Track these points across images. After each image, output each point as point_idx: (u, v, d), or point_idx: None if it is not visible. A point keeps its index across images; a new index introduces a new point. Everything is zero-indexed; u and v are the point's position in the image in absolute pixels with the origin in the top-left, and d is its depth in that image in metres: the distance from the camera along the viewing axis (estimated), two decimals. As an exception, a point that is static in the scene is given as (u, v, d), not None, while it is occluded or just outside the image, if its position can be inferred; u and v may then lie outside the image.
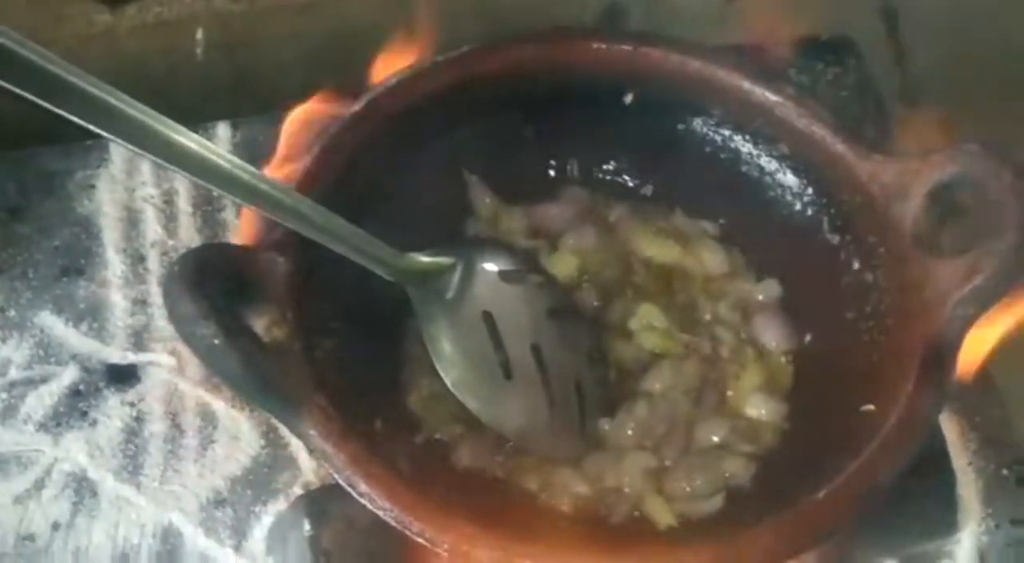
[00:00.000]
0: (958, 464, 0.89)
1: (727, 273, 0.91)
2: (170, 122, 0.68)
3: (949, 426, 0.91)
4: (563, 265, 0.90)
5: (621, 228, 0.93)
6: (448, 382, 0.80)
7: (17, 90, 0.61)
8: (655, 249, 0.91)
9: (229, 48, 1.19)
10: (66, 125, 0.64)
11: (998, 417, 0.93)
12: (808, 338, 0.87)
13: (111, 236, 1.02)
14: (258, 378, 0.69)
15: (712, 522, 0.79)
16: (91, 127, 0.64)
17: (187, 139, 0.69)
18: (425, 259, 0.82)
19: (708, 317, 0.89)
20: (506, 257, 0.86)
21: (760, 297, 0.89)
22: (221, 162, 0.70)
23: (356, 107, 0.84)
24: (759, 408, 0.84)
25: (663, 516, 0.79)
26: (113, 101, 0.65)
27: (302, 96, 0.89)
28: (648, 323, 0.87)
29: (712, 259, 0.91)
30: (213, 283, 0.70)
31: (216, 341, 0.67)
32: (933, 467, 0.86)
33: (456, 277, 0.83)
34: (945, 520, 0.87)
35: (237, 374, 0.68)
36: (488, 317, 0.83)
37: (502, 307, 0.83)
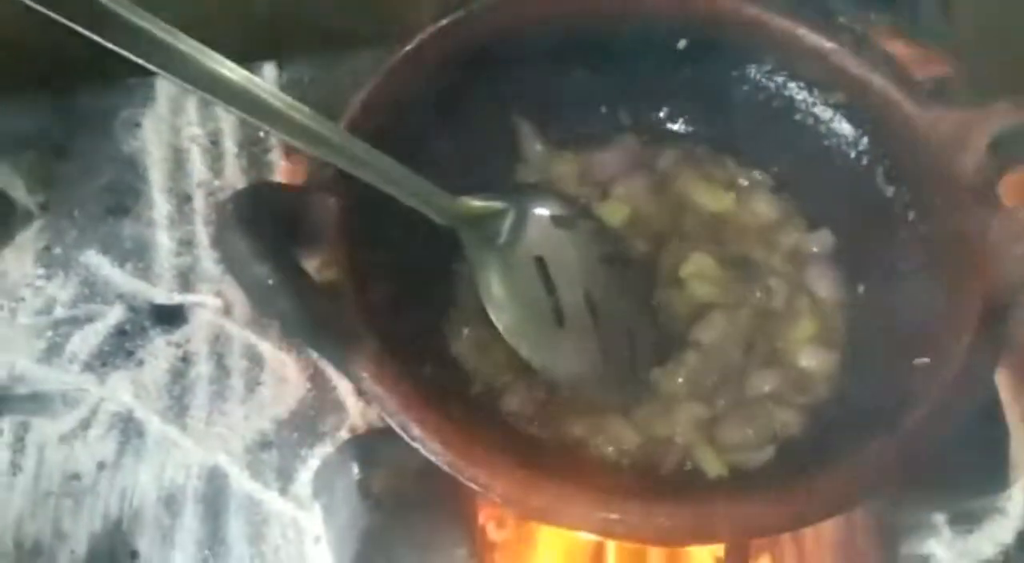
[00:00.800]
0: (1011, 420, 0.88)
1: (779, 222, 0.90)
2: (219, 57, 0.68)
3: (1003, 382, 0.90)
4: (614, 213, 0.89)
5: (672, 176, 0.92)
6: (500, 327, 0.80)
7: (66, 21, 0.60)
8: (706, 198, 0.90)
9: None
10: (111, 60, 0.63)
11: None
12: (861, 289, 0.86)
13: (156, 176, 1.03)
14: (311, 319, 0.69)
15: (763, 473, 0.78)
16: (140, 60, 0.64)
17: (237, 75, 0.68)
18: (478, 203, 0.81)
19: (761, 267, 0.88)
20: (558, 202, 0.85)
21: (814, 248, 0.89)
22: (271, 99, 0.70)
23: (407, 48, 0.83)
24: (811, 359, 0.84)
25: (714, 466, 0.79)
26: (162, 34, 0.65)
27: (350, 38, 0.88)
28: (700, 271, 0.86)
29: (764, 209, 0.90)
30: (265, 222, 0.69)
31: (269, 281, 0.67)
32: (987, 423, 0.85)
33: (508, 222, 0.82)
34: (997, 476, 0.87)
35: (290, 315, 0.68)
36: (540, 262, 0.82)
37: (554, 253, 0.83)
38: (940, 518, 0.88)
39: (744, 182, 0.92)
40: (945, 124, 0.79)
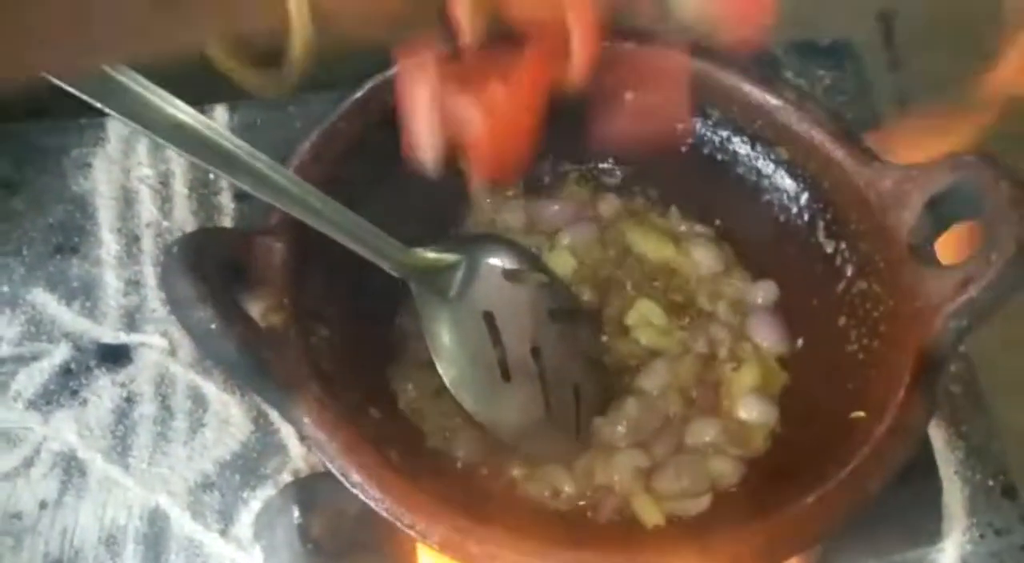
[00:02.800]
0: (944, 473, 0.89)
1: (722, 272, 0.91)
2: (172, 99, 0.68)
3: (936, 435, 0.91)
4: (560, 262, 0.90)
5: (617, 225, 0.93)
6: (446, 380, 0.80)
7: None
8: (650, 246, 0.91)
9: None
10: (63, 99, 0.64)
11: (985, 427, 0.93)
12: (800, 343, 0.87)
13: (106, 215, 1.02)
14: (253, 363, 0.69)
15: (699, 523, 0.79)
16: (90, 100, 0.64)
17: (188, 117, 0.69)
18: (430, 255, 0.82)
19: (706, 315, 0.89)
20: (511, 254, 0.86)
21: (759, 299, 0.90)
22: (222, 142, 0.70)
23: (356, 95, 0.84)
24: (751, 410, 0.84)
25: (651, 515, 0.79)
26: (113, 74, 0.65)
27: (301, 84, 0.89)
28: (645, 319, 0.87)
29: (707, 259, 0.91)
30: (210, 267, 0.70)
31: (212, 325, 0.67)
32: (920, 475, 0.86)
33: (460, 275, 0.83)
34: (930, 528, 0.88)
35: (232, 359, 0.69)
36: (489, 317, 0.83)
37: (504, 307, 0.83)
38: (874, 570, 0.89)
39: (687, 232, 0.93)
40: (885, 181, 0.80)
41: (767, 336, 0.88)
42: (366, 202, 0.79)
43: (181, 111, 0.68)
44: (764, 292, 0.90)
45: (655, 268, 0.91)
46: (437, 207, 0.89)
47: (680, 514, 0.80)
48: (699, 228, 0.93)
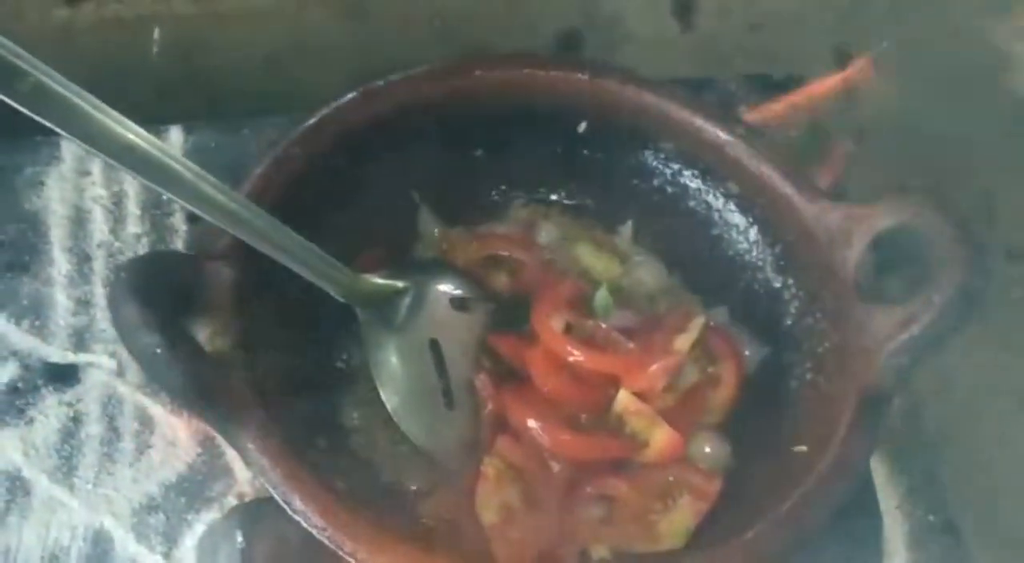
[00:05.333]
0: (886, 508, 0.90)
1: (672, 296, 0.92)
2: (125, 121, 0.68)
3: (878, 470, 0.92)
4: (505, 286, 0.91)
5: (565, 250, 0.93)
6: (389, 408, 0.80)
7: None
8: (597, 263, 0.92)
9: (185, 50, 1.19)
10: (17, 117, 0.64)
11: (926, 462, 0.94)
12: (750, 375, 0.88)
13: (58, 234, 1.02)
14: (198, 388, 0.69)
15: (646, 558, 0.79)
16: (43, 120, 0.64)
17: (140, 139, 0.68)
18: (379, 281, 0.82)
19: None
20: (458, 282, 0.86)
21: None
22: (174, 165, 0.70)
23: (308, 122, 0.84)
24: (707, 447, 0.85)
25: (597, 549, 0.80)
26: (67, 94, 0.65)
27: (256, 103, 0.89)
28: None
29: (648, 276, 0.92)
30: (158, 291, 0.70)
31: (158, 350, 0.67)
32: (861, 510, 0.87)
33: (407, 302, 0.83)
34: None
35: (177, 383, 0.69)
36: (435, 345, 0.83)
37: (450, 335, 0.84)
38: (816, 603, 0.89)
39: (632, 254, 0.94)
40: (832, 218, 0.81)
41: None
42: (316, 228, 0.79)
43: (131, 132, 0.68)
44: (717, 317, 0.90)
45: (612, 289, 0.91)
46: (387, 232, 0.89)
47: (627, 548, 0.80)
48: (646, 253, 0.94)
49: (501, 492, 0.80)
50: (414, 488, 0.82)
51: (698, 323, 0.87)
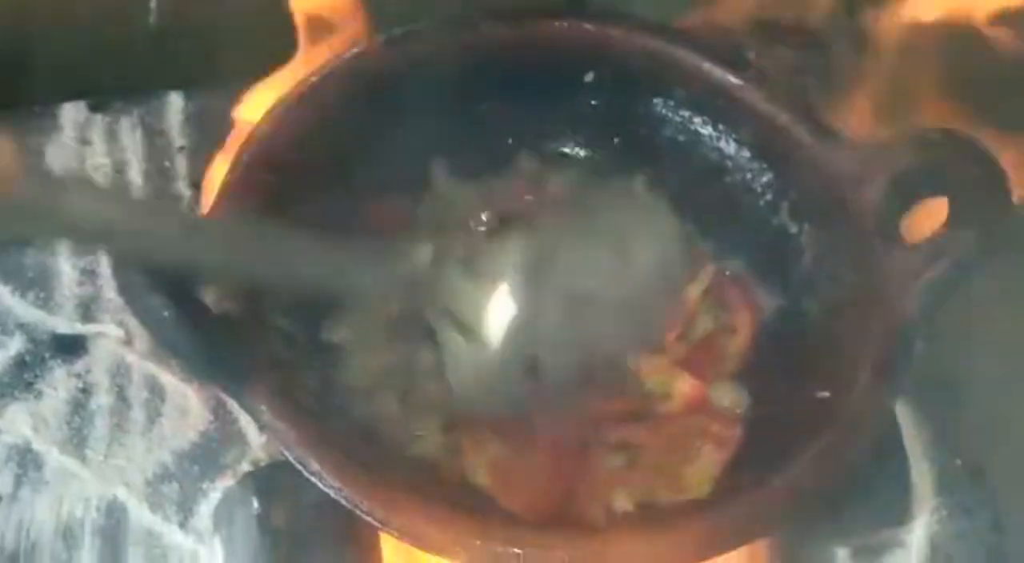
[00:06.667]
0: (912, 454, 0.89)
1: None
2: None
3: (904, 415, 0.90)
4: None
5: (578, 203, 0.91)
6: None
7: None
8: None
9: (183, 17, 1.17)
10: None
11: (953, 407, 0.93)
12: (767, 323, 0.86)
13: (60, 204, 1.01)
14: (208, 352, 0.68)
15: (668, 507, 0.78)
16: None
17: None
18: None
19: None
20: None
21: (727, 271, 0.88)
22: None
23: (313, 79, 0.83)
24: (725, 395, 0.83)
25: (619, 501, 0.78)
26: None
27: (257, 70, 0.88)
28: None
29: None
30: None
31: (166, 312, 0.66)
32: (888, 456, 0.86)
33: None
34: (898, 509, 0.87)
35: (186, 347, 0.67)
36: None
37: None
38: (843, 551, 0.88)
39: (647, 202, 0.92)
40: (847, 160, 0.79)
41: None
42: (326, 181, 0.80)
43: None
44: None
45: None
46: (395, 190, 0.88)
47: (648, 500, 0.79)
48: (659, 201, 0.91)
49: (480, 454, 0.79)
50: (431, 451, 0.80)
51: (708, 271, 0.86)
